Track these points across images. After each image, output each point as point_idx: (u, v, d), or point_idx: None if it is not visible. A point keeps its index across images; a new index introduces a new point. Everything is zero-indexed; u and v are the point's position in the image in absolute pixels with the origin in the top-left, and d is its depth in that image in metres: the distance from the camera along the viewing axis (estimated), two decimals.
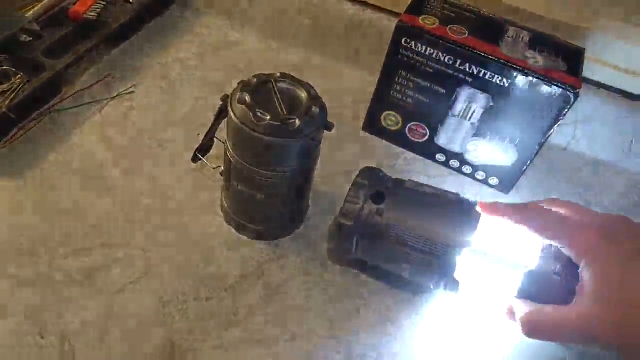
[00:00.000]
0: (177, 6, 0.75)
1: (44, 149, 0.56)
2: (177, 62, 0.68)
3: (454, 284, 0.44)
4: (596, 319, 0.36)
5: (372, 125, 0.63)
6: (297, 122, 0.42)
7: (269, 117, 0.42)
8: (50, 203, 0.52)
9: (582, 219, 0.40)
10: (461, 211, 0.44)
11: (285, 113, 0.43)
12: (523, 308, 0.40)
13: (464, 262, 0.42)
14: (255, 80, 0.44)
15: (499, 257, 0.42)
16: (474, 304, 0.49)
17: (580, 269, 0.38)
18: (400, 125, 0.61)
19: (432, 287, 0.46)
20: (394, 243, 0.44)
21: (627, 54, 0.72)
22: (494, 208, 0.42)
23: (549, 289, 0.40)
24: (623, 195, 0.63)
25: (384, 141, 0.64)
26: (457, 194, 0.46)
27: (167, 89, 0.65)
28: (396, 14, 0.78)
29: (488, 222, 0.43)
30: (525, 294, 0.41)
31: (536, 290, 0.40)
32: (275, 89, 0.45)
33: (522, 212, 0.42)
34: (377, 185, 0.46)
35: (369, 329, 0.48)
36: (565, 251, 0.39)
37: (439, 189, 0.47)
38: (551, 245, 0.41)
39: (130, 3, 0.69)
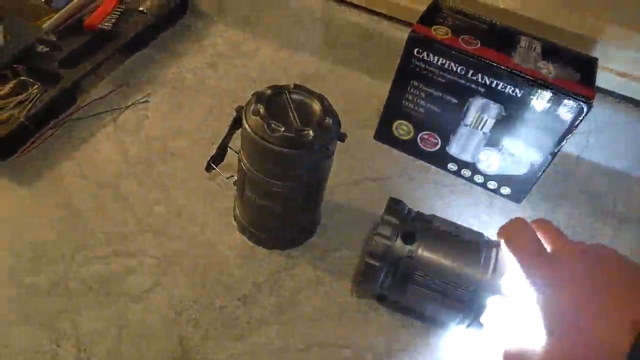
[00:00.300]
0: (190, 16, 0.76)
1: (59, 157, 0.57)
2: (191, 72, 0.69)
3: (478, 325, 0.44)
4: (552, 355, 0.35)
5: (384, 134, 0.63)
6: (311, 133, 0.42)
7: (282, 129, 0.42)
8: (66, 211, 0.53)
9: (550, 245, 0.39)
10: (489, 256, 0.43)
11: (299, 124, 0.43)
12: (506, 345, 0.39)
13: (490, 306, 0.42)
14: (269, 91, 0.45)
15: (525, 302, 0.40)
16: (494, 343, 0.47)
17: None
18: (411, 134, 0.61)
19: (455, 324, 0.45)
20: (422, 286, 0.44)
21: (635, 61, 0.72)
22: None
23: None
24: (638, 204, 0.63)
25: (395, 150, 0.64)
26: (480, 234, 0.46)
27: (180, 98, 0.66)
28: (409, 24, 0.78)
29: (515, 266, 0.42)
30: None
31: None
32: (289, 100, 0.45)
33: (506, 226, 0.42)
34: (403, 222, 0.46)
35: (382, 338, 0.48)
36: (521, 273, 0.38)
37: (463, 228, 0.46)
38: None
39: (145, 13, 0.70)
